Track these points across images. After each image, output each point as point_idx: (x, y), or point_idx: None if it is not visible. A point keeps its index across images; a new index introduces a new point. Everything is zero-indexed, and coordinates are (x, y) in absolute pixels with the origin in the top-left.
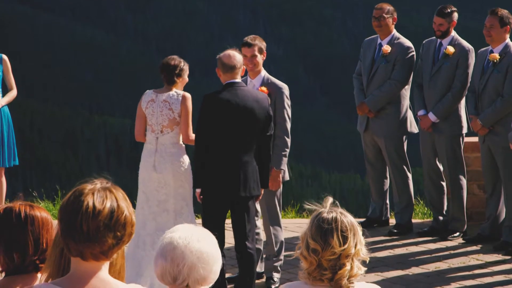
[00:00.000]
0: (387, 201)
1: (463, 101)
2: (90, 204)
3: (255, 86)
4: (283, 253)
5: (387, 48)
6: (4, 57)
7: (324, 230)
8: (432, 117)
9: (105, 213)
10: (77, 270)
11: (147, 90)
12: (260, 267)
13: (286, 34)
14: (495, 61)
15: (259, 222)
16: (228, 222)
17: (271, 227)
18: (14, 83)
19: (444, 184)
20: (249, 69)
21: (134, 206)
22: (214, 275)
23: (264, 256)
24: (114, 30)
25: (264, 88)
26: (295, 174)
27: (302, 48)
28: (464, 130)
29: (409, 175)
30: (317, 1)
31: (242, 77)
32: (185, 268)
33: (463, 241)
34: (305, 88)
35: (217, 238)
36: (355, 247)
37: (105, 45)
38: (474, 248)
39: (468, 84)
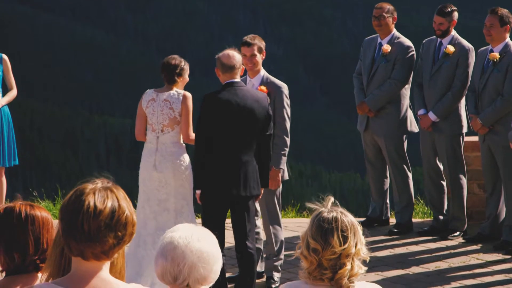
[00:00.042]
0: (387, 201)
1: (463, 101)
2: (91, 203)
3: (254, 86)
4: (283, 252)
5: (387, 48)
6: (4, 56)
7: (324, 230)
8: (432, 116)
9: (106, 212)
10: (78, 270)
11: (148, 90)
12: (260, 267)
13: (286, 34)
14: (495, 60)
15: (259, 222)
16: (228, 221)
17: (271, 227)
18: (14, 82)
19: (444, 183)
20: (248, 68)
21: (134, 205)
22: (215, 275)
23: (264, 255)
24: (114, 30)
25: (263, 88)
26: (295, 173)
27: (302, 48)
28: (464, 130)
29: (409, 175)
30: (317, 1)
31: (241, 76)
32: (186, 268)
33: (463, 241)
34: (305, 88)
35: (217, 237)
36: (355, 247)
37: (105, 45)
38: (474, 247)
39: (468, 84)
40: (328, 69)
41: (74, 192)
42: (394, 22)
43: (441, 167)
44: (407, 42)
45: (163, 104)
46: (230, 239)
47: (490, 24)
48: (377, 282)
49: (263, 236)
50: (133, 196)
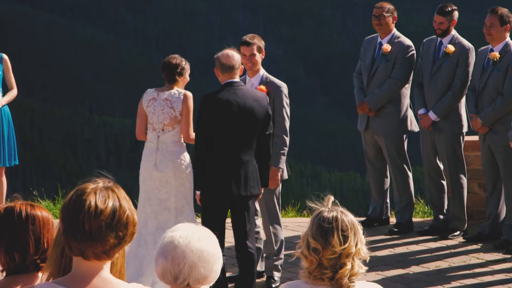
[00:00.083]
0: (388, 200)
1: (463, 100)
2: (92, 203)
3: (254, 85)
4: (283, 252)
5: (387, 47)
6: (5, 56)
7: (324, 229)
8: (432, 115)
9: (107, 212)
10: (79, 270)
11: (148, 89)
12: (260, 266)
13: (286, 34)
14: (495, 59)
15: (259, 221)
16: (228, 221)
17: (270, 226)
18: (14, 82)
19: (444, 183)
20: (248, 68)
21: (134, 205)
22: (215, 274)
23: (264, 255)
24: (114, 30)
25: (262, 87)
26: (296, 173)
27: (302, 48)
28: (465, 129)
29: (410, 174)
30: (317, 1)
31: (240, 76)
32: (186, 267)
33: (463, 240)
34: (305, 88)
35: (217, 237)
36: (355, 246)
37: (105, 45)
38: (474, 247)
39: (468, 83)
40: (328, 69)
41: (75, 191)
42: (394, 22)
43: (441, 166)
44: (407, 41)
45: (164, 103)
46: (230, 239)
47: (490, 24)
48: (377, 281)
49: (263, 235)
50: (133, 195)
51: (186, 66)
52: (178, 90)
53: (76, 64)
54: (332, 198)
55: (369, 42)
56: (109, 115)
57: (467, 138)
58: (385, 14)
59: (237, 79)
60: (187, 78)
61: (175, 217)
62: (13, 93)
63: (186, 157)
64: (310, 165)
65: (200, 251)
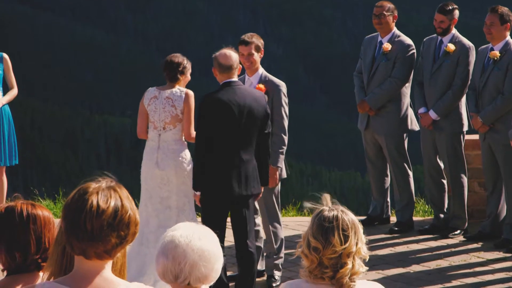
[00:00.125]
0: (388, 199)
1: (463, 99)
2: (95, 203)
3: (252, 84)
4: (284, 251)
5: (387, 46)
6: (5, 55)
7: (325, 229)
8: (432, 114)
9: (109, 212)
10: (80, 269)
11: (150, 88)
12: (261, 265)
13: (286, 34)
14: (496, 58)
15: (258, 220)
16: (228, 220)
17: (270, 225)
18: (15, 82)
19: (445, 181)
20: (246, 67)
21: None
22: (216, 273)
23: (264, 254)
24: (114, 30)
25: (261, 86)
26: (296, 172)
27: (302, 48)
28: (465, 128)
29: (410, 173)
30: (317, 1)
31: (239, 75)
32: (187, 266)
33: (464, 239)
34: (305, 87)
35: (218, 236)
36: (356, 245)
37: (105, 45)
38: (475, 245)
39: (469, 82)
40: (328, 69)
41: (78, 191)
42: (395, 21)
43: (442, 165)
44: (408, 40)
45: (165, 102)
46: (230, 238)
47: (490, 23)
48: (377, 280)
49: (263, 234)
50: (133, 195)
51: (188, 65)
52: (180, 88)
53: (76, 64)
54: (328, 197)
55: (369, 41)
56: (109, 115)
57: (467, 137)
58: (385, 13)
59: (235, 78)
60: (189, 77)
61: (177, 215)
62: (14, 92)
63: (187, 155)
64: (310, 165)
65: (201, 250)
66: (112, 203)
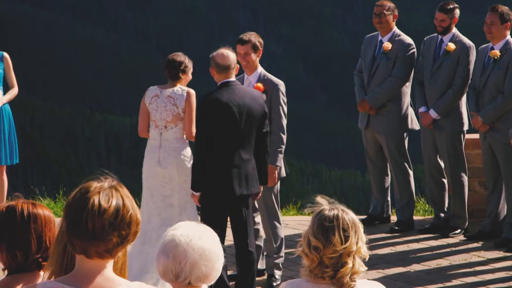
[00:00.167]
0: (388, 198)
1: (464, 98)
2: (96, 202)
3: (251, 83)
4: (284, 250)
5: (387, 45)
6: (5, 54)
7: (325, 228)
8: (433, 113)
9: (111, 211)
10: (82, 268)
11: (151, 86)
12: (261, 264)
13: (286, 32)
14: (496, 58)
15: (258, 219)
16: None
17: (270, 224)
18: (15, 80)
19: (445, 181)
20: (243, 66)
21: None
22: (216, 272)
23: (265, 253)
24: (114, 29)
25: (259, 85)
26: (296, 171)
27: (302, 47)
28: (465, 127)
29: (410, 172)
30: None
31: (238, 75)
32: (187, 266)
33: (464, 238)
34: (305, 86)
35: (218, 235)
36: (356, 245)
37: (105, 43)
38: (475, 245)
39: (469, 81)
40: (328, 67)
41: (79, 190)
42: (395, 20)
43: (442, 164)
44: (408, 39)
45: (167, 101)
46: (231, 237)
47: (491, 22)
48: (378, 279)
49: (262, 233)
50: (133, 194)
51: (190, 64)
52: (181, 87)
53: (77, 62)
54: (325, 201)
55: (369, 40)
56: (109, 113)
57: (467, 136)
58: (385, 12)
59: (233, 78)
60: (190, 76)
61: (179, 213)
62: (14, 91)
63: (189, 153)
64: (310, 163)
65: (201, 249)
66: (114, 203)
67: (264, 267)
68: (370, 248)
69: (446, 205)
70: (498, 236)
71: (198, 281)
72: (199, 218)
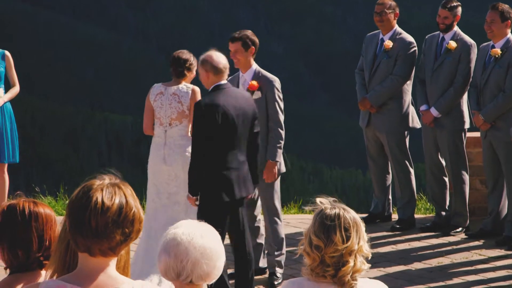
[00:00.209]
0: (390, 197)
1: (465, 96)
2: (99, 200)
3: (246, 81)
4: (285, 247)
5: (389, 44)
6: (7, 53)
7: (327, 227)
8: (434, 112)
9: (114, 209)
10: (85, 266)
11: (155, 84)
12: (262, 263)
13: (287, 31)
14: (497, 56)
15: (260, 216)
16: None
17: (270, 220)
18: (16, 79)
19: (446, 179)
20: (235, 64)
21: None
22: (218, 271)
23: (266, 251)
24: (115, 28)
25: (254, 82)
26: (297, 170)
27: (303, 46)
28: (466, 125)
29: (411, 171)
30: None
31: (230, 74)
32: (189, 264)
33: (465, 236)
34: (306, 85)
35: (220, 234)
36: (358, 244)
37: (106, 43)
38: (476, 243)
39: (470, 79)
40: (329, 67)
41: (82, 188)
42: (396, 18)
43: (443, 162)
44: (409, 38)
45: (172, 98)
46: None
47: (491, 20)
48: (379, 278)
49: (263, 231)
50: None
51: (194, 62)
52: (186, 85)
53: (77, 62)
54: (326, 201)
55: (371, 38)
56: (110, 112)
57: (469, 134)
58: (386, 10)
59: (225, 81)
60: (194, 74)
61: (185, 211)
62: (15, 90)
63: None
64: (311, 162)
65: (203, 247)
66: (117, 200)
67: (266, 266)
68: (371, 246)
69: (447, 203)
70: (499, 234)
71: (200, 279)
72: None
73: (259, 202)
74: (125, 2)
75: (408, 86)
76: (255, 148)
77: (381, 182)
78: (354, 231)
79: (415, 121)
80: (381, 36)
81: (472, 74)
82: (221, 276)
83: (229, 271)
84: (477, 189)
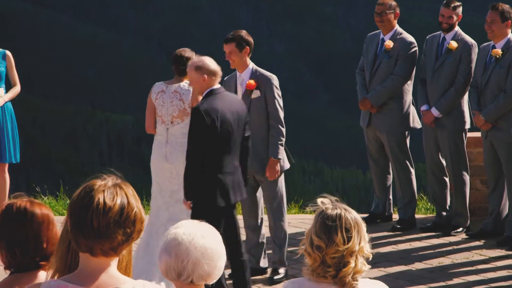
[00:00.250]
0: (390, 197)
1: (466, 96)
2: (101, 200)
3: (244, 80)
4: (287, 247)
5: (389, 44)
6: (8, 53)
7: (328, 227)
8: (435, 112)
9: (116, 209)
10: (86, 266)
11: (157, 82)
12: (263, 262)
13: (288, 31)
14: (498, 56)
15: (262, 215)
16: None
17: (273, 217)
18: (17, 79)
19: (447, 179)
20: (230, 64)
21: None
22: (219, 271)
23: (267, 252)
24: (115, 28)
25: (251, 82)
26: (298, 170)
27: (304, 45)
28: (467, 125)
29: (412, 171)
30: None
31: (223, 76)
32: (190, 264)
33: (466, 237)
34: (307, 84)
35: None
36: (359, 244)
37: (107, 42)
38: (477, 243)
39: (471, 79)
40: (330, 66)
41: (84, 188)
42: (397, 18)
43: (444, 163)
44: (410, 38)
45: (173, 96)
46: None
47: (491, 20)
48: (379, 278)
49: (265, 231)
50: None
51: None
52: (188, 82)
53: (78, 61)
54: (327, 201)
55: (371, 38)
56: (111, 112)
57: (469, 134)
58: (387, 11)
59: (219, 85)
60: None
61: (187, 209)
62: (16, 89)
63: None
64: (312, 162)
65: (203, 247)
66: (119, 201)
67: (267, 265)
68: (372, 246)
69: (448, 203)
70: (500, 235)
71: (200, 279)
72: None
73: (262, 202)
74: (126, 1)
75: (409, 86)
76: (246, 151)
77: (381, 182)
78: (356, 232)
79: (415, 121)
80: (381, 36)
81: (473, 74)
82: (219, 282)
83: (226, 271)
84: (477, 189)
